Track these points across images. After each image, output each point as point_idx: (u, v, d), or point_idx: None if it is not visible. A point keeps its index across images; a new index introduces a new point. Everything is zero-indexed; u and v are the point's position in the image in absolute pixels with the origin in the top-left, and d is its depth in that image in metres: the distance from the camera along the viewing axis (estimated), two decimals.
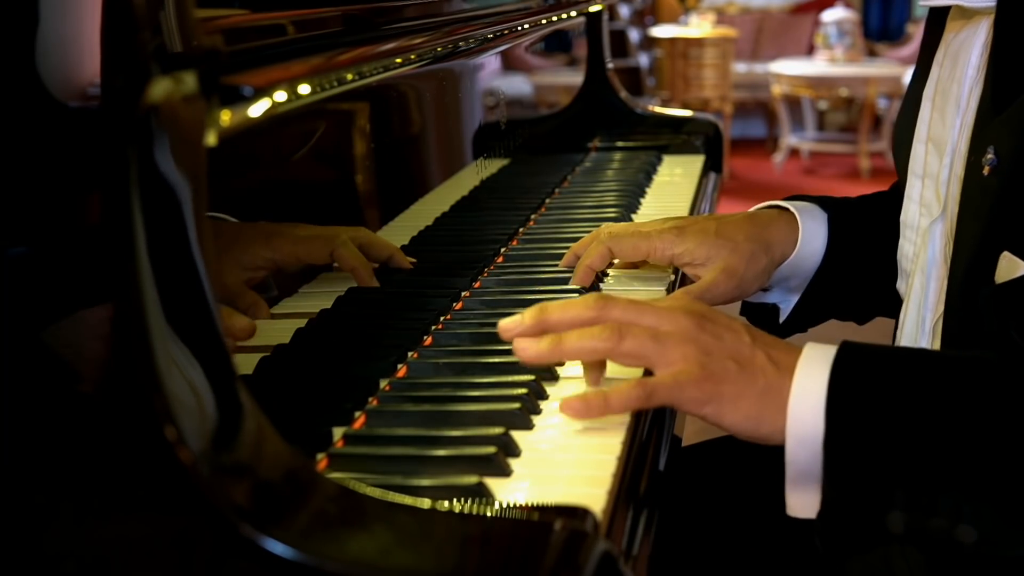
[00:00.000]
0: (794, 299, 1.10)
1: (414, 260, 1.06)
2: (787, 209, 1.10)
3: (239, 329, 0.78)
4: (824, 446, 0.70)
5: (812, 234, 1.08)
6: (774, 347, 0.75)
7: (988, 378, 0.72)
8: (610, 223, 1.10)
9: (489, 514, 0.60)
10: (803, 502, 0.73)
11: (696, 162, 1.75)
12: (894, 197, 1.15)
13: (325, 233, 0.94)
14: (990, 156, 0.81)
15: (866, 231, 1.12)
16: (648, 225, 1.06)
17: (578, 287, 1.03)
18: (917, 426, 0.70)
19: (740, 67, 6.83)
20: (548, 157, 1.72)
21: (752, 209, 1.13)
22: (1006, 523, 0.69)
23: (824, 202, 1.12)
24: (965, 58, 0.91)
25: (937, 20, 0.99)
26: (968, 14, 0.92)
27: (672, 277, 1.11)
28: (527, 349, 0.75)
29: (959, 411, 0.70)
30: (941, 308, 0.89)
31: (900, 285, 1.01)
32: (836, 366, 0.72)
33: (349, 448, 0.73)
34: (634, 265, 1.12)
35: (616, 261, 1.08)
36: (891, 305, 1.05)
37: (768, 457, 0.76)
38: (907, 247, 0.98)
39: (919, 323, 0.95)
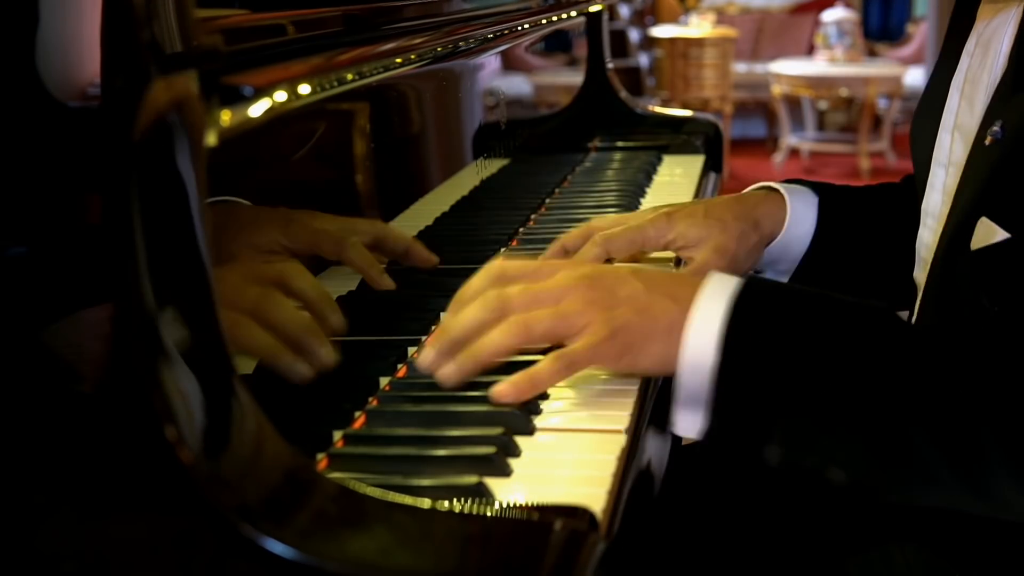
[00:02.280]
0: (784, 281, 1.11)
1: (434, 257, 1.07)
2: (777, 190, 1.10)
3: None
4: (715, 376, 0.73)
5: (801, 215, 1.09)
6: (669, 284, 0.79)
7: (881, 330, 0.74)
8: (599, 217, 1.09)
9: (489, 514, 0.60)
10: (689, 424, 0.76)
11: (696, 162, 1.75)
12: (901, 189, 1.15)
13: (338, 231, 0.95)
14: (996, 128, 0.82)
15: (860, 219, 1.12)
16: (636, 217, 1.07)
17: None
18: (804, 367, 0.72)
19: (740, 67, 6.83)
20: (548, 157, 1.72)
21: (744, 191, 1.14)
22: (879, 473, 0.72)
23: (816, 187, 1.12)
24: (996, 46, 0.90)
25: (965, 10, 0.99)
26: (1000, 1, 0.92)
27: (672, 267, 1.12)
28: (449, 377, 0.78)
29: (847, 359, 0.73)
30: None
31: (918, 274, 1.00)
32: (737, 299, 0.74)
33: (349, 448, 0.73)
34: (632, 259, 1.12)
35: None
36: (895, 294, 1.05)
37: (794, 473, 0.77)
38: (926, 235, 0.98)
39: None
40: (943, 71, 1.00)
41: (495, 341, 0.77)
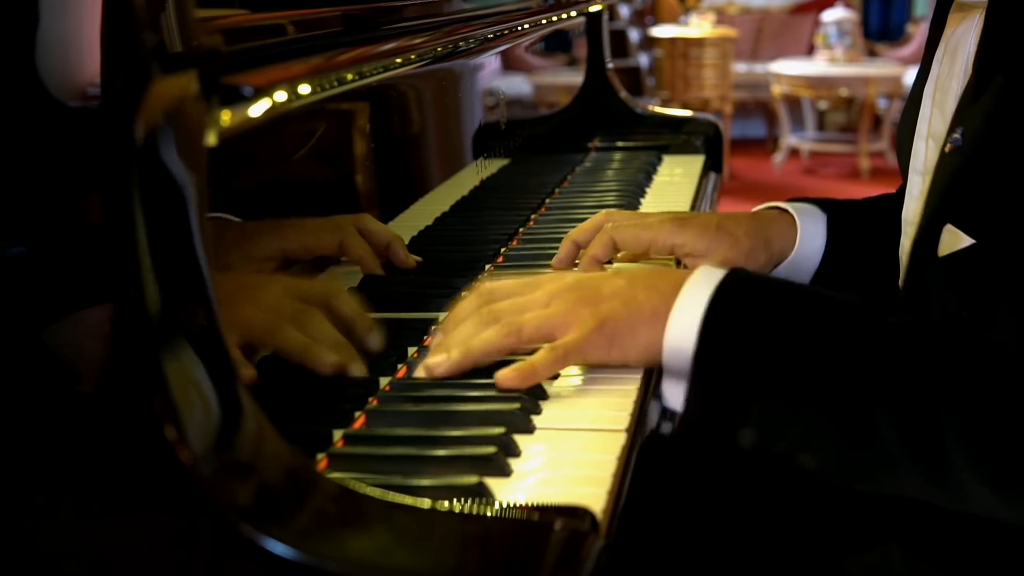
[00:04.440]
0: None
1: (418, 258, 1.07)
2: (787, 210, 1.11)
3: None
4: (693, 358, 0.76)
5: (811, 235, 1.10)
6: (651, 277, 0.83)
7: (856, 323, 0.76)
8: (611, 210, 1.11)
9: (489, 514, 0.60)
10: (676, 396, 0.79)
11: (696, 162, 1.75)
12: (898, 199, 1.15)
13: (334, 223, 0.98)
14: (956, 136, 0.83)
15: (866, 233, 1.13)
16: (650, 216, 1.09)
17: None
18: (779, 354, 0.75)
19: (740, 67, 6.82)
20: (548, 157, 1.72)
21: (753, 210, 1.14)
22: (845, 459, 0.74)
23: (824, 204, 1.13)
24: (963, 53, 0.91)
25: (939, 17, 1.00)
26: (965, 8, 0.93)
27: (674, 266, 1.12)
28: (439, 365, 0.81)
29: (819, 347, 0.75)
30: None
31: (901, 281, 1.00)
32: (719, 287, 0.77)
33: (349, 448, 0.73)
34: (635, 258, 1.13)
35: (620, 253, 1.09)
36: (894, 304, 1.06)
37: (767, 456, 0.77)
38: (906, 243, 0.99)
39: None
40: (920, 78, 1.01)
41: (487, 338, 0.81)
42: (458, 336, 0.82)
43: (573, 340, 0.79)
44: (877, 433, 0.72)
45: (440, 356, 0.81)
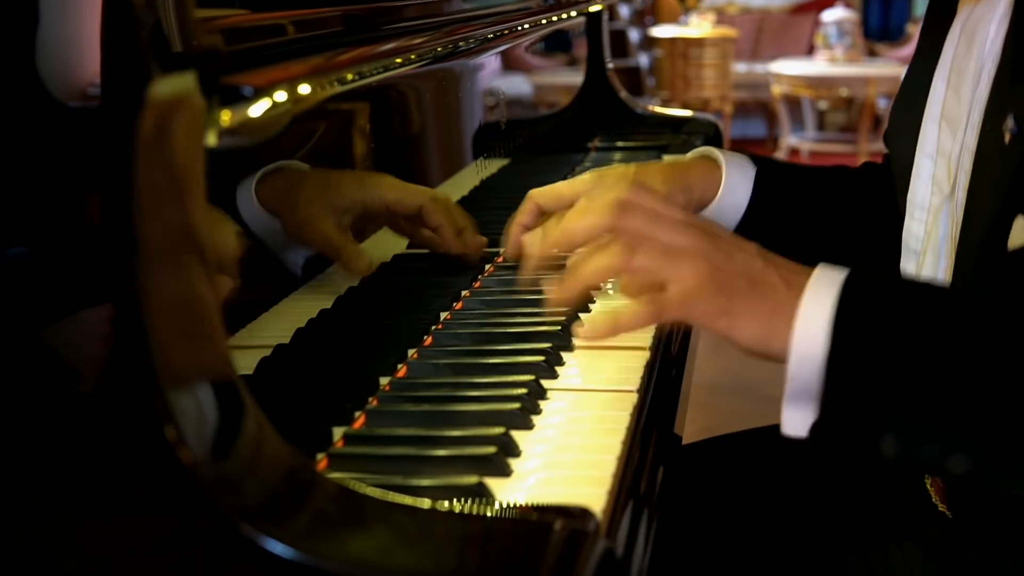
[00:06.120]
0: None
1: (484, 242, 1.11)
2: (715, 157, 1.09)
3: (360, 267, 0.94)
4: (826, 365, 0.70)
5: (736, 184, 1.07)
6: (786, 267, 0.76)
7: (994, 316, 0.72)
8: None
9: (489, 514, 0.60)
10: (798, 420, 0.73)
11: None
12: (858, 174, 1.15)
13: (419, 187, 0.99)
14: (1011, 124, 0.81)
15: (803, 196, 1.11)
16: (574, 179, 1.07)
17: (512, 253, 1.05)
18: (919, 354, 0.70)
19: (740, 67, 6.83)
20: (548, 157, 1.72)
21: (681, 156, 1.13)
22: (997, 459, 0.70)
23: (757, 158, 1.11)
24: (983, 34, 0.90)
25: (942, 2, 0.99)
26: None
27: None
28: (555, 301, 0.81)
29: (961, 345, 0.70)
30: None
31: (907, 265, 1.00)
32: (845, 288, 0.72)
33: (349, 448, 0.73)
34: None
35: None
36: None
37: (767, 457, 0.77)
38: (915, 227, 0.97)
39: None
40: (924, 62, 0.99)
41: (597, 262, 0.77)
42: (574, 228, 0.80)
43: (676, 296, 0.74)
44: None
45: (553, 290, 0.81)
